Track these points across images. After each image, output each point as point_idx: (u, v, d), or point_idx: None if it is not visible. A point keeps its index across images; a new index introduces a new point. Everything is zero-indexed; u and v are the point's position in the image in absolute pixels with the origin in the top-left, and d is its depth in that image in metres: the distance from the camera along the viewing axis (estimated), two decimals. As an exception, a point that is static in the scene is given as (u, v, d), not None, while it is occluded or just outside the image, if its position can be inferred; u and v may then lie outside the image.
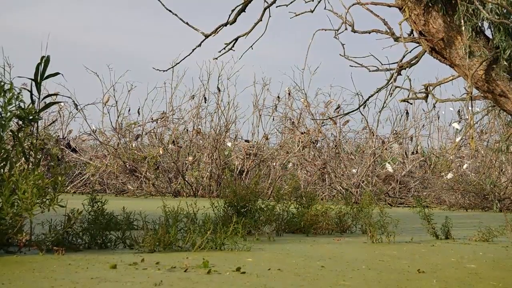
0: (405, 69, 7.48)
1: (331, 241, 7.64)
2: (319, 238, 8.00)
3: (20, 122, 6.36)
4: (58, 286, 4.28)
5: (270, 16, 7.76)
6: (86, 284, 4.35)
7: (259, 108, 19.00)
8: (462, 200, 16.01)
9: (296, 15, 7.70)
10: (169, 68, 8.44)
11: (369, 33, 7.39)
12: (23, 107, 6.26)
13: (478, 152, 17.63)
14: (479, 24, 6.52)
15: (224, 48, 7.87)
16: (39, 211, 5.78)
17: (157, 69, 8.29)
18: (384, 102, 8.44)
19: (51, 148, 17.59)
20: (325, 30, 7.64)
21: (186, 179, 17.82)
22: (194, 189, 17.70)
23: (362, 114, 17.88)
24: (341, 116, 17.04)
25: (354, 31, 7.43)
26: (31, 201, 5.64)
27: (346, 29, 7.43)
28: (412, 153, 19.05)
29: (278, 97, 19.06)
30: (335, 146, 18.04)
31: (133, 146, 18.74)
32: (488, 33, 6.72)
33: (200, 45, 7.80)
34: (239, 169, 18.01)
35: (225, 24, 7.71)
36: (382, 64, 7.61)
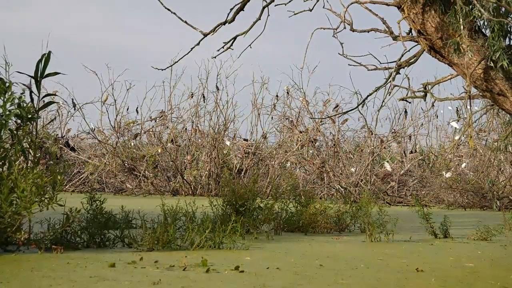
0: (403, 68, 7.48)
1: (330, 240, 7.65)
2: (317, 237, 8.01)
3: (19, 121, 6.35)
4: (56, 284, 4.28)
5: (268, 15, 7.76)
6: (85, 283, 4.36)
7: (258, 107, 18.99)
8: (461, 199, 16.02)
9: (295, 14, 7.70)
10: (167, 67, 8.44)
11: (368, 32, 7.39)
12: (22, 105, 6.26)
13: (476, 151, 17.63)
14: (477, 22, 6.52)
15: (223, 47, 7.87)
16: (38, 209, 5.78)
17: (156, 68, 8.30)
18: (383, 101, 8.44)
19: (50, 147, 17.58)
20: (324, 29, 7.64)
21: (185, 178, 17.82)
22: (192, 188, 17.70)
23: (361, 113, 17.86)
24: (339, 115, 17.04)
25: (353, 30, 7.43)
26: (30, 200, 5.64)
27: (344, 28, 7.43)
28: (411, 152, 19.04)
29: (277, 96, 19.05)
30: (334, 145, 18.04)
31: (132, 144, 18.73)
32: (487, 32, 6.72)
33: (198, 44, 7.79)
34: (237, 168, 18.00)
35: (224, 23, 7.71)
36: (380, 63, 7.62)
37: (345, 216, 8.72)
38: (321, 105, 18.56)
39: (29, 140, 6.42)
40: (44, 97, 6.95)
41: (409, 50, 7.28)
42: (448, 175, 16.71)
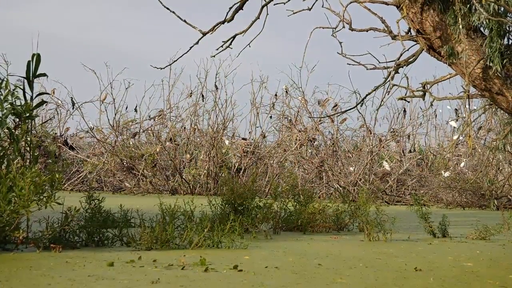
0: (402, 67, 7.48)
1: (328, 239, 7.65)
2: (316, 236, 8.01)
3: (17, 120, 6.35)
4: (55, 283, 4.28)
5: (267, 14, 7.75)
6: (83, 282, 4.35)
7: (257, 106, 18.98)
8: (459, 199, 16.02)
9: (294, 13, 7.70)
10: (166, 66, 8.44)
11: (367, 31, 7.38)
12: (18, 104, 6.26)
13: (475, 150, 17.64)
14: (476, 22, 6.52)
15: (222, 46, 7.87)
16: (36, 208, 5.78)
17: (155, 67, 8.29)
18: (382, 100, 8.45)
19: (49, 146, 17.57)
20: (323, 28, 7.64)
21: (184, 177, 17.82)
22: (191, 187, 17.69)
23: (360, 112, 17.85)
24: (338, 114, 17.03)
25: (352, 29, 7.43)
26: (28, 198, 5.64)
27: (343, 27, 7.43)
28: (410, 151, 19.04)
29: (276, 95, 19.05)
30: (333, 144, 18.03)
31: (131, 143, 18.72)
32: (485, 31, 6.72)
33: (197, 42, 7.79)
34: (236, 167, 18.00)
35: (223, 22, 7.71)
36: (379, 62, 7.61)
37: (344, 215, 8.73)
38: (318, 105, 18.54)
39: (29, 139, 6.41)
40: (37, 95, 6.94)
41: (408, 50, 7.28)
42: (446, 174, 16.72)
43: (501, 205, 15.40)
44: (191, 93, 19.22)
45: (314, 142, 18.39)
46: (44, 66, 6.81)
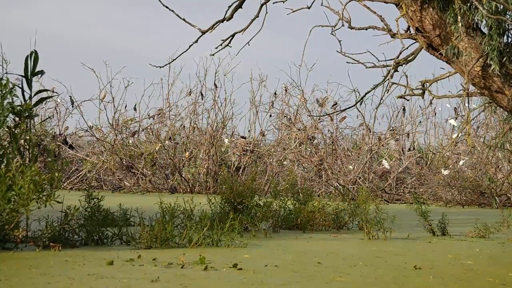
0: (401, 65, 7.48)
1: (328, 238, 7.65)
2: (315, 234, 8.01)
3: (17, 119, 6.35)
4: (54, 282, 4.27)
5: (266, 12, 7.76)
6: (83, 280, 4.35)
7: (256, 104, 18.98)
8: (459, 197, 16.02)
9: (293, 11, 7.71)
10: (165, 64, 8.45)
11: (366, 29, 7.39)
12: (17, 102, 6.26)
13: (474, 149, 17.64)
14: (476, 20, 6.53)
15: (221, 45, 7.88)
16: (35, 207, 5.78)
17: (154, 65, 8.29)
18: (381, 99, 8.47)
19: (48, 144, 17.56)
20: (322, 26, 7.65)
21: (183, 175, 17.82)
22: (190, 186, 17.69)
23: (359, 111, 17.86)
24: (338, 112, 17.03)
25: (351, 28, 7.44)
26: (27, 197, 5.64)
27: (343, 25, 7.44)
28: (409, 149, 19.05)
29: (275, 93, 19.04)
30: (332, 142, 18.03)
31: (130, 142, 18.72)
32: (485, 29, 6.72)
33: (196, 41, 7.80)
34: (235, 166, 17.99)
35: (222, 21, 7.71)
36: (379, 61, 7.62)
37: (343, 214, 8.73)
38: (317, 103, 18.53)
39: (29, 137, 6.41)
40: (36, 93, 6.93)
41: (407, 48, 7.29)
42: (446, 172, 16.72)
43: (500, 203, 15.40)
44: (190, 91, 19.21)
45: (313, 140, 18.38)
46: (43, 64, 6.80)
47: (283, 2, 7.70)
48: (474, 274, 5.18)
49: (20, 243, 5.80)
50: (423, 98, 7.92)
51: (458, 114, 18.49)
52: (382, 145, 18.32)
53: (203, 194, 15.48)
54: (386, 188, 17.23)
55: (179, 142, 18.91)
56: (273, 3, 7.72)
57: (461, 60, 6.58)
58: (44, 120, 18.45)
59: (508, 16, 6.43)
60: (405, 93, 8.04)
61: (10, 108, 6.19)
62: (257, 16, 7.73)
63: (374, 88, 7.72)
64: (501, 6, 6.27)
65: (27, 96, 6.60)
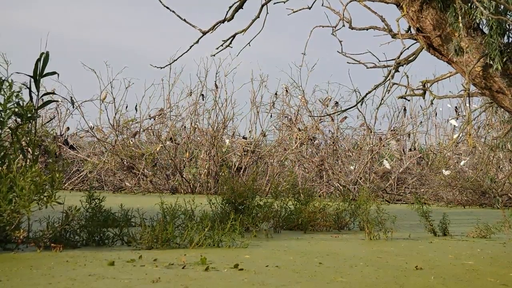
0: (402, 65, 7.48)
1: (329, 238, 7.65)
2: (316, 235, 8.01)
3: (19, 120, 6.35)
4: (55, 283, 4.28)
5: (267, 13, 7.76)
6: (84, 281, 4.35)
7: (257, 105, 18.97)
8: (460, 197, 16.03)
9: (294, 12, 7.70)
10: (166, 65, 8.44)
11: (367, 29, 7.39)
12: (21, 104, 6.25)
13: (475, 149, 17.64)
14: (476, 20, 6.52)
15: (222, 45, 7.88)
16: (36, 208, 5.78)
17: (155, 66, 8.29)
18: (382, 99, 8.44)
19: (49, 145, 17.56)
20: (323, 26, 7.65)
21: (184, 176, 17.82)
22: (191, 186, 17.69)
23: (360, 111, 17.86)
24: (338, 113, 17.03)
25: (352, 28, 7.44)
26: (28, 198, 5.64)
27: (343, 25, 7.43)
28: (410, 149, 19.05)
29: (276, 94, 19.04)
30: (333, 143, 18.03)
31: (131, 143, 18.72)
32: (485, 29, 6.72)
33: (197, 42, 7.80)
34: (236, 166, 17.99)
35: (223, 21, 7.71)
36: (379, 61, 7.62)
37: (344, 214, 8.72)
38: (320, 103, 18.54)
39: (29, 138, 6.41)
40: (43, 95, 6.96)
41: (408, 48, 7.28)
42: (447, 173, 16.71)
43: (502, 203, 15.40)
44: (191, 92, 19.21)
45: (314, 141, 18.39)
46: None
47: (284, 2, 7.70)
48: (476, 274, 5.18)
49: (21, 244, 5.80)
50: (424, 98, 7.91)
51: (459, 114, 18.49)
52: (383, 146, 18.32)
53: (204, 195, 15.48)
54: (387, 189, 17.23)
55: (180, 142, 18.91)
56: (274, 4, 7.72)
57: (462, 60, 6.57)
58: (47, 122, 18.45)
59: (509, 16, 6.43)
60: (406, 93, 8.03)
61: (13, 109, 6.19)
62: (258, 16, 7.74)
63: (375, 89, 7.71)
64: (501, 6, 6.27)
65: (34, 97, 6.60)
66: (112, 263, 5.05)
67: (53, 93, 8.60)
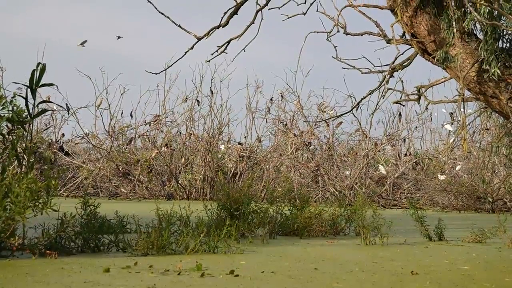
0: (397, 71, 7.50)
1: (325, 243, 7.64)
2: (312, 240, 8.01)
3: (10, 125, 6.34)
4: (51, 290, 4.27)
5: (262, 18, 7.78)
6: (79, 288, 4.35)
7: (252, 110, 19.01)
8: (455, 202, 16.04)
9: (288, 18, 7.73)
10: (162, 71, 8.45)
11: (362, 35, 7.41)
12: (14, 110, 6.25)
13: (470, 154, 17.67)
14: (471, 26, 6.54)
15: (217, 51, 7.89)
16: (32, 214, 5.77)
17: (150, 72, 8.30)
18: (377, 104, 8.48)
19: (44, 152, 17.54)
20: (318, 32, 7.67)
21: (180, 182, 17.81)
22: (187, 192, 17.68)
23: (355, 116, 17.90)
24: (334, 118, 17.05)
25: (347, 33, 7.46)
26: (24, 205, 5.63)
27: (338, 31, 7.46)
28: (405, 154, 19.08)
29: (271, 99, 19.07)
30: (328, 148, 18.05)
31: (126, 149, 18.71)
32: (479, 35, 6.74)
33: (192, 47, 7.81)
34: (232, 172, 17.99)
35: (218, 27, 7.73)
36: (374, 66, 7.64)
37: (340, 220, 8.72)
38: (316, 108, 18.58)
39: (25, 145, 6.41)
40: (39, 103, 6.95)
41: (402, 53, 7.31)
42: (442, 177, 16.73)
43: (497, 208, 15.41)
44: (187, 98, 19.23)
45: (309, 146, 18.40)
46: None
47: (279, 8, 7.72)
48: (471, 279, 5.18)
49: (16, 250, 5.79)
50: (419, 103, 7.94)
51: (454, 119, 18.53)
52: (379, 151, 18.34)
53: (200, 201, 15.47)
54: (383, 194, 17.24)
55: (175, 148, 18.90)
56: (269, 10, 7.74)
57: (456, 65, 6.59)
58: (44, 130, 18.43)
59: (503, 22, 6.46)
60: (401, 98, 8.06)
61: (8, 116, 6.18)
62: (253, 22, 7.75)
63: (370, 94, 7.74)
64: (495, 12, 6.29)
65: (30, 106, 6.60)
66: (108, 270, 5.04)
67: (49, 100, 8.60)
